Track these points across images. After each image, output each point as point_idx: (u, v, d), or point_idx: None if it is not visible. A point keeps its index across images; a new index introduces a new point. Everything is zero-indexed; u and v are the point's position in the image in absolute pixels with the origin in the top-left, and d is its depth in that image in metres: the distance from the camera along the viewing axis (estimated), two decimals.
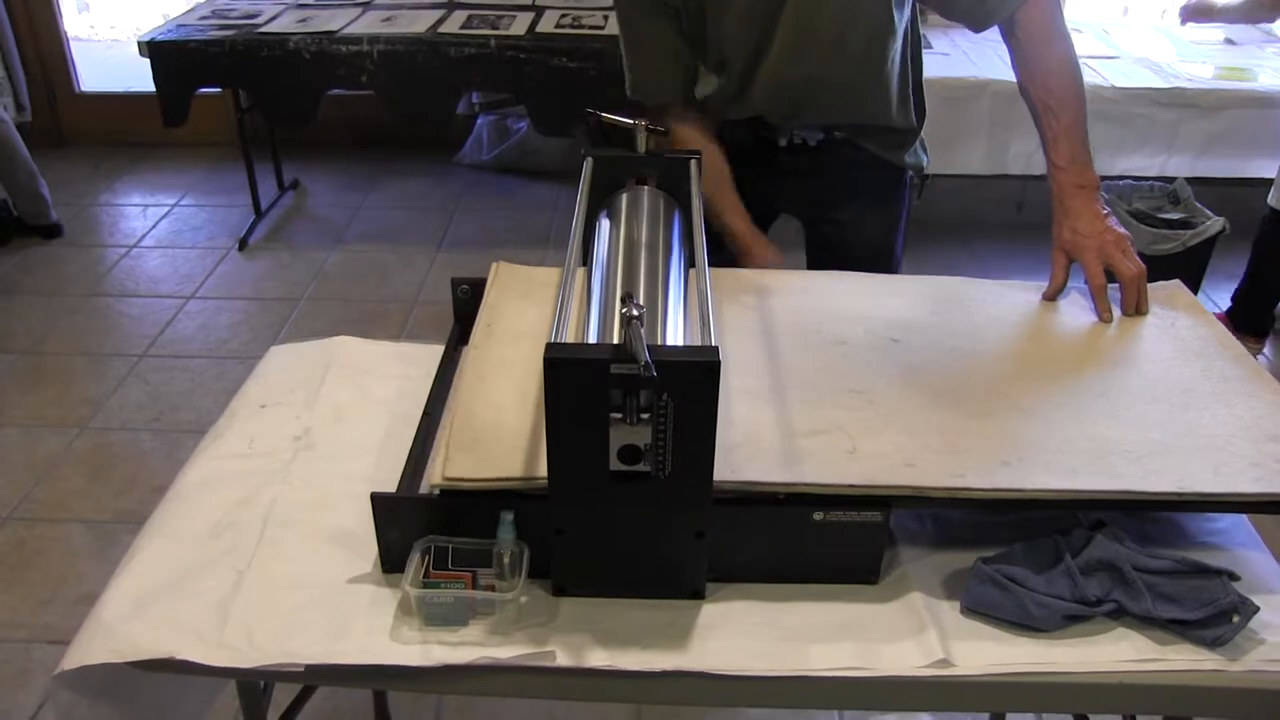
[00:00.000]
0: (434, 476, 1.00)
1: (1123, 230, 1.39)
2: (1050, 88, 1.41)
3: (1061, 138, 1.40)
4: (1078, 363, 1.24)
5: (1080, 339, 1.30)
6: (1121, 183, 3.35)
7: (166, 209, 4.02)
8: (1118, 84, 3.12)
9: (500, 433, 1.06)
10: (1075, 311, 1.36)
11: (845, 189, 1.67)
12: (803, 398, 1.14)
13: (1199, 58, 3.41)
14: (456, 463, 1.01)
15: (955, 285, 1.42)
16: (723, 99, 1.59)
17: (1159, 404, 1.15)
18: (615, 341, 0.92)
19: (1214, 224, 3.04)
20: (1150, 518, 1.10)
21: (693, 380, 0.88)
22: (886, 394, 1.15)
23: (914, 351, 1.24)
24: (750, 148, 1.64)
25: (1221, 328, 1.32)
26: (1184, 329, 1.32)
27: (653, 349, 0.87)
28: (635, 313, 0.86)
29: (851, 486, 1.00)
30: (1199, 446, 1.08)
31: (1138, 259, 1.37)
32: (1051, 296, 1.38)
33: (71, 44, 4.52)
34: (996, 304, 1.37)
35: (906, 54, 1.57)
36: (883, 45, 1.50)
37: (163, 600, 1.01)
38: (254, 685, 1.17)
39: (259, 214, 3.88)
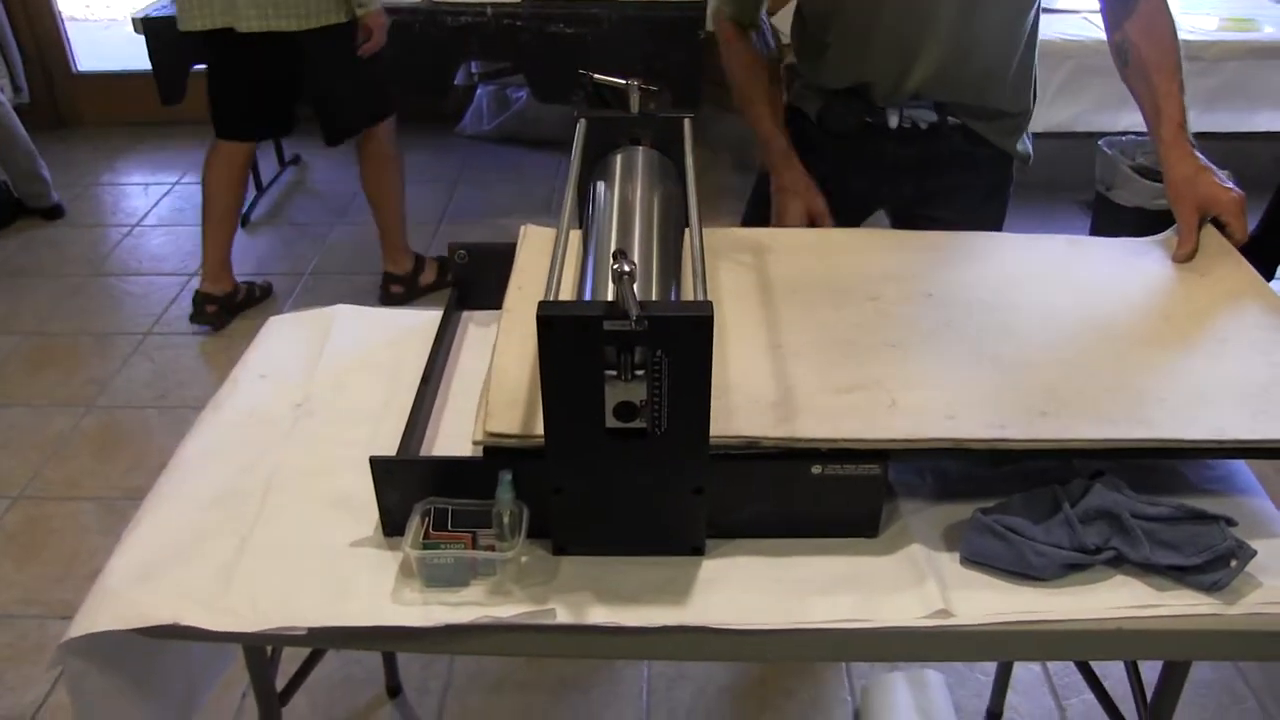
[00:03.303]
0: (476, 433, 1.00)
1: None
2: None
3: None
4: (1111, 313, 1.24)
5: (1113, 289, 1.29)
6: (1125, 138, 3.32)
7: (168, 187, 4.02)
8: None
9: (535, 391, 1.06)
10: (1105, 263, 1.35)
11: (953, 185, 1.60)
12: (839, 353, 1.14)
13: (1203, 8, 3.38)
14: (497, 419, 1.00)
15: (981, 240, 1.41)
16: (831, 59, 1.53)
17: (1194, 353, 1.15)
18: (609, 299, 0.92)
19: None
20: (1150, 466, 1.10)
21: (686, 335, 0.88)
22: (923, 347, 1.15)
23: (948, 306, 1.24)
24: (856, 135, 1.56)
25: (1255, 275, 1.30)
26: (1218, 278, 1.30)
27: (645, 304, 0.87)
28: (627, 269, 0.86)
29: (892, 440, 1.01)
30: (1235, 394, 1.08)
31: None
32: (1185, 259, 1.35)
33: (67, 24, 4.51)
34: (1026, 257, 1.36)
35: (1035, 27, 1.52)
36: (1024, 12, 1.47)
37: (167, 568, 1.02)
38: (260, 653, 1.18)
39: (260, 190, 3.88)
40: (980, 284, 1.29)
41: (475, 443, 1.00)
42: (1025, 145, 1.62)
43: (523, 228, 1.36)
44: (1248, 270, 1.31)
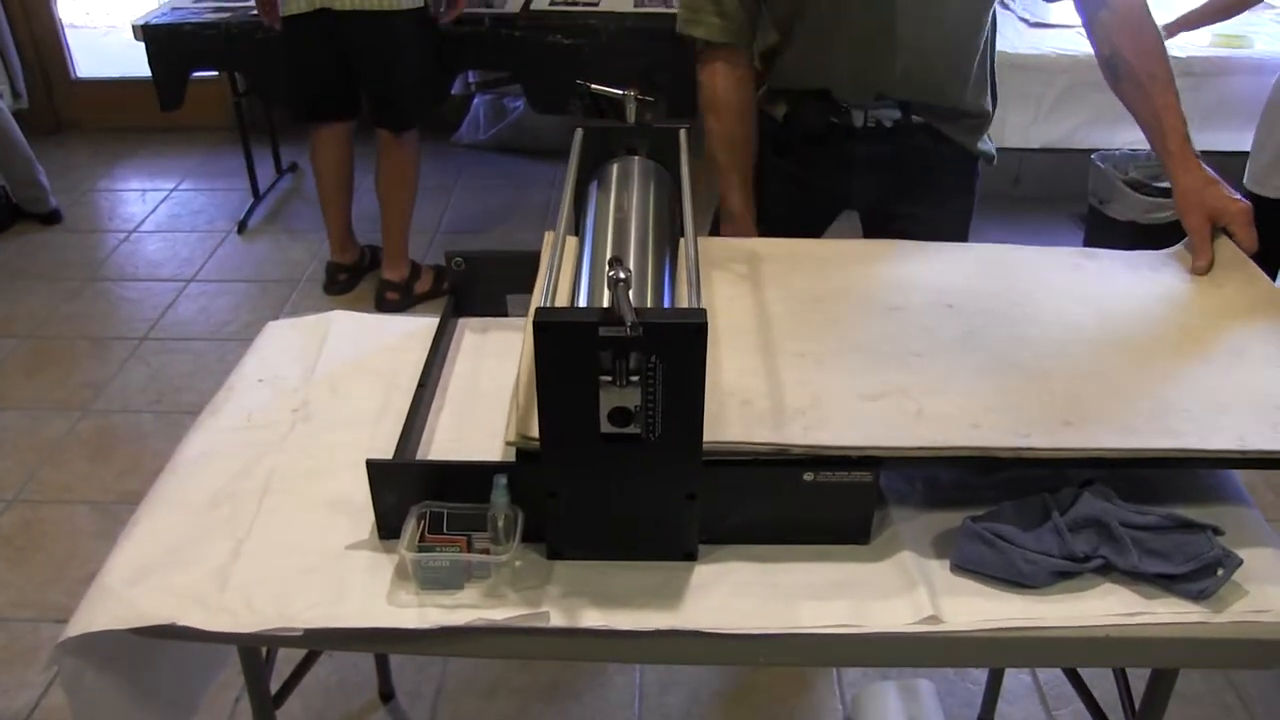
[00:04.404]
0: (509, 434, 1.01)
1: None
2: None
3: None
4: (1129, 324, 1.25)
5: (1130, 301, 1.30)
6: (1118, 153, 3.34)
7: (165, 193, 4.03)
8: None
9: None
10: (1121, 275, 1.36)
11: (920, 181, 1.62)
12: (865, 361, 1.15)
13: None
14: (529, 422, 1.00)
15: (996, 251, 1.42)
16: (793, 62, 1.54)
17: (1212, 365, 1.16)
18: (604, 306, 0.93)
19: None
20: (1139, 475, 1.11)
21: (680, 342, 0.89)
22: (946, 357, 1.17)
23: (969, 316, 1.25)
24: (823, 135, 1.58)
25: (1271, 286, 1.29)
26: (1234, 290, 1.30)
27: (640, 311, 0.88)
28: (622, 275, 0.87)
29: (920, 448, 1.01)
30: (1255, 405, 1.09)
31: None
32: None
33: (66, 30, 4.52)
34: (1041, 267, 1.37)
35: (991, 32, 1.54)
36: (980, 15, 1.48)
37: (164, 569, 1.03)
38: (256, 654, 1.19)
39: (257, 197, 3.89)
40: (999, 295, 1.30)
41: (509, 443, 1.01)
42: (988, 145, 1.64)
43: (547, 234, 1.36)
44: (1264, 281, 1.31)
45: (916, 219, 1.58)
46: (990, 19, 1.52)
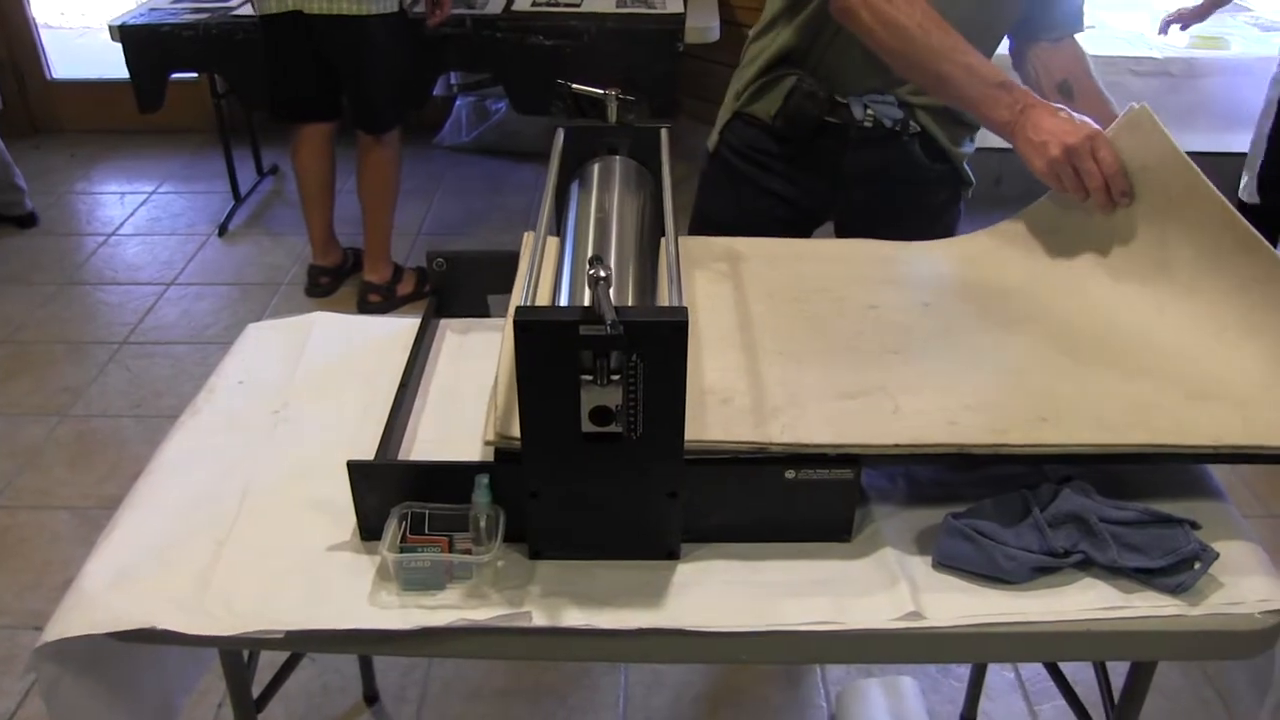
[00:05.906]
0: (487, 433, 1.01)
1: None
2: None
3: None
4: (1106, 314, 1.24)
5: (1103, 289, 1.28)
6: None
7: (144, 196, 4.00)
8: (1092, 53, 3.13)
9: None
10: (1094, 264, 1.34)
11: (904, 197, 1.61)
12: (843, 360, 1.15)
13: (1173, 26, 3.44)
14: (510, 422, 1.00)
15: (973, 249, 1.42)
16: (799, 41, 1.50)
17: (1188, 357, 1.15)
18: (585, 305, 0.93)
19: None
20: (1118, 470, 1.12)
21: (661, 340, 0.89)
22: (923, 354, 1.17)
23: (945, 314, 1.25)
24: (814, 135, 1.54)
25: (1240, 222, 1.19)
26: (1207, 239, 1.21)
27: (621, 310, 0.88)
28: (603, 274, 0.87)
29: (897, 445, 1.02)
30: (1230, 395, 1.09)
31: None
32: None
33: (41, 31, 4.48)
34: (1016, 263, 1.36)
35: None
36: (1001, 33, 1.52)
37: (143, 571, 1.02)
38: (238, 657, 1.18)
39: (238, 200, 3.87)
40: (974, 294, 1.30)
41: (487, 443, 1.01)
42: (968, 170, 1.65)
43: (526, 235, 1.36)
44: (1231, 220, 1.21)
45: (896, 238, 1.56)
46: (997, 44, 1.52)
